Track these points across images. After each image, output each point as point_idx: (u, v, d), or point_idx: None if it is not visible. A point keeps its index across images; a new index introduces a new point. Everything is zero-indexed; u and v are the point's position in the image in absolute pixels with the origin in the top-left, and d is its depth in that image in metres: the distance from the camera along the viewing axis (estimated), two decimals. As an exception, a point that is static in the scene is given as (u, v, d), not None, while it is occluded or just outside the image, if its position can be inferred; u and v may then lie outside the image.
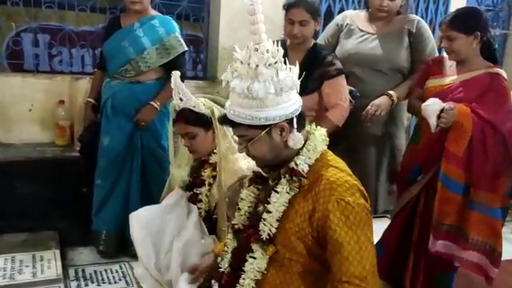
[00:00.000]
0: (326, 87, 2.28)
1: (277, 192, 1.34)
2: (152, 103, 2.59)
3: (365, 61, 2.45)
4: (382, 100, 2.39)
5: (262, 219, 1.35)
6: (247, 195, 1.48)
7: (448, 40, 2.17)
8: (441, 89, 2.23)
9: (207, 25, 3.40)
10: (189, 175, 1.94)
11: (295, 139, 1.31)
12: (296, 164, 1.33)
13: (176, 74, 1.77)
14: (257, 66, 1.23)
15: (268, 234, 1.33)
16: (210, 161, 1.82)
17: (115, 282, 2.43)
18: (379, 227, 3.52)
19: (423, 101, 2.22)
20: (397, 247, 2.39)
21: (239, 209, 1.48)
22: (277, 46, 1.27)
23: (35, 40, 3.19)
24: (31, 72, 3.04)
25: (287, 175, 1.33)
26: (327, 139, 1.40)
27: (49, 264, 2.41)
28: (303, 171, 1.32)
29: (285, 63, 1.28)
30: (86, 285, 2.39)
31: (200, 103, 1.82)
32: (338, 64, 2.31)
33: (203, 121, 1.79)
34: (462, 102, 2.12)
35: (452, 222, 2.14)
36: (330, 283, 1.28)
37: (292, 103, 1.30)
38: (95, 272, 2.52)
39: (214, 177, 1.83)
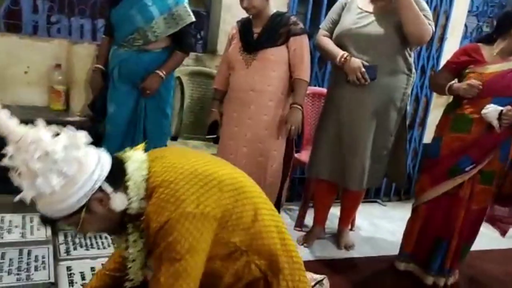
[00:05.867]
0: (292, 44, 2.50)
1: (133, 240, 1.34)
2: (158, 72, 2.61)
3: (359, 39, 2.50)
4: None
5: (128, 268, 1.36)
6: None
7: None
8: (496, 75, 2.33)
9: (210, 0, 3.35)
10: None
11: (117, 201, 1.26)
12: (132, 210, 1.30)
13: None
14: (27, 164, 1.16)
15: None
16: None
17: (104, 248, 2.42)
18: (369, 211, 3.60)
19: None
20: (439, 230, 2.52)
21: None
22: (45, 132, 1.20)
23: (34, 5, 3.13)
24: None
25: (130, 224, 1.33)
26: (144, 160, 1.36)
27: (39, 226, 2.40)
28: (141, 212, 1.29)
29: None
30: (75, 249, 2.38)
31: None
32: (302, 24, 2.53)
33: None
34: None
35: None
36: None
37: (91, 172, 1.23)
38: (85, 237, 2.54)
39: None
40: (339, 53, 2.51)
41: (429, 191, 2.53)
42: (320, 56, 3.29)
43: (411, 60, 2.59)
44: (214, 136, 2.74)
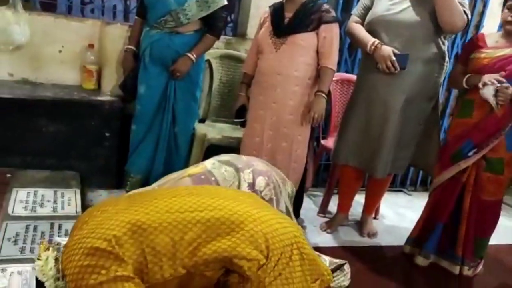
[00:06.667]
0: (323, 31, 2.49)
1: None
2: (189, 54, 2.64)
3: (391, 26, 2.46)
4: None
5: None
6: None
7: None
8: (497, 59, 2.34)
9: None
10: None
11: None
12: None
13: None
14: None
15: None
16: None
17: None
18: (394, 200, 3.58)
19: (468, 73, 2.43)
20: (449, 219, 2.54)
21: None
22: None
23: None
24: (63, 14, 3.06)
25: None
26: (47, 259, 1.39)
27: (70, 201, 2.48)
28: None
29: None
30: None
31: None
32: (334, 13, 2.51)
33: None
34: None
35: None
36: None
37: None
38: (112, 214, 2.61)
39: None
40: (370, 40, 2.48)
41: (437, 177, 2.57)
42: (350, 42, 3.25)
43: (445, 48, 2.53)
44: (242, 120, 2.76)
